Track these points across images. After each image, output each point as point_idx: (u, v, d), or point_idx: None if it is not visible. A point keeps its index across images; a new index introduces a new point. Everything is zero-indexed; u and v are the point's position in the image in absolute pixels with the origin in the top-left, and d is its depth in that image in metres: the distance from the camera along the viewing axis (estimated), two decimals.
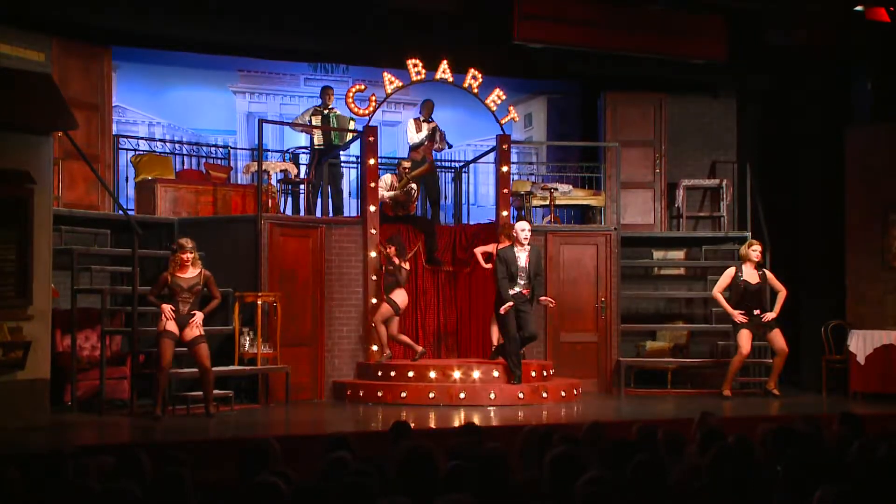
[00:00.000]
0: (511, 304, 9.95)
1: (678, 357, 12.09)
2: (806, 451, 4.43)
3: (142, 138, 12.10)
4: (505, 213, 11.40)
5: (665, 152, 13.17)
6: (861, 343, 11.08)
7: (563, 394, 10.35)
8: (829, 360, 11.52)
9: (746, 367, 11.63)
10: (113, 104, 11.46)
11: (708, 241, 12.74)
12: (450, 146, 12.24)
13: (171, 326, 8.74)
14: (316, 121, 11.86)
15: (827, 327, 11.63)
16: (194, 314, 8.80)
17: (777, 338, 10.74)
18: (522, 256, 10.03)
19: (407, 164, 11.49)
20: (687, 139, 13.34)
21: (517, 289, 10.01)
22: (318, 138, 11.92)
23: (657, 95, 13.22)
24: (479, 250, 11.00)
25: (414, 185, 11.46)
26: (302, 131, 12.37)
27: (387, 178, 11.44)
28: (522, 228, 10.13)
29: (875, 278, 11.69)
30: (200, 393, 9.08)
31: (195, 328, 8.82)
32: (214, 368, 9.62)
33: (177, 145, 12.37)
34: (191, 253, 8.86)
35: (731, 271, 10.83)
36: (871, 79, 12.27)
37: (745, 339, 10.65)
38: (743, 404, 10.39)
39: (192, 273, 8.88)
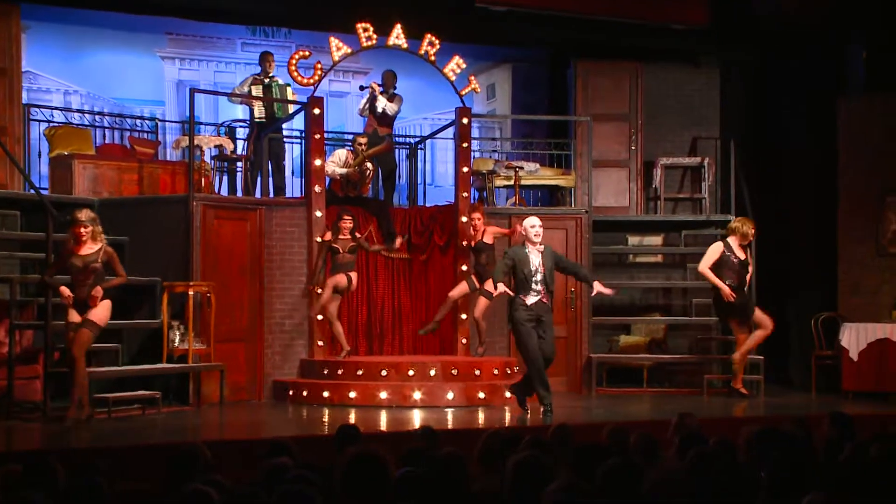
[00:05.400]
0: (499, 292, 9.24)
1: (655, 353, 12.19)
2: (793, 454, 4.48)
3: (56, 108, 11.96)
4: (465, 195, 11.40)
5: (641, 127, 13.23)
6: (854, 337, 11.21)
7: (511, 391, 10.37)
8: (820, 355, 11.66)
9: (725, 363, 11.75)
10: (22, 69, 11.27)
11: (688, 226, 12.83)
12: (361, 88, 12.04)
13: (74, 317, 8.56)
14: (257, 91, 11.76)
15: (817, 320, 11.77)
16: (94, 294, 8.45)
17: (763, 317, 10.84)
18: (536, 257, 9.28)
19: (363, 141, 11.43)
20: (665, 113, 13.41)
21: (535, 297, 9.21)
22: (258, 111, 11.83)
23: (633, 64, 13.27)
24: (493, 230, 10.78)
25: (370, 165, 11.41)
26: (241, 103, 12.27)
27: (341, 154, 11.37)
28: (532, 225, 9.33)
29: (870, 266, 11.84)
30: (123, 394, 9.01)
31: (93, 308, 8.45)
32: (141, 366, 9.55)
33: (97, 117, 12.24)
34: (87, 227, 8.59)
35: (719, 246, 10.78)
36: (866, 46, 12.39)
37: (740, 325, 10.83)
38: (724, 404, 10.49)
39: (89, 250, 8.56)
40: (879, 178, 11.82)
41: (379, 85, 11.91)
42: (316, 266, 10.70)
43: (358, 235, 10.78)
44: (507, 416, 9.54)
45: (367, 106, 11.91)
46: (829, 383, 11.51)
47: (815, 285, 12.45)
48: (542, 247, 9.35)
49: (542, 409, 9.23)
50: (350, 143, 11.76)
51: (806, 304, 12.32)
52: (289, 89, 11.87)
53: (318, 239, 10.70)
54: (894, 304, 11.53)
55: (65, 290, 8.55)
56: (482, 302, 10.59)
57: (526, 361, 9.34)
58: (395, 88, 11.94)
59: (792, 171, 12.97)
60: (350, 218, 10.65)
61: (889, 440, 4.88)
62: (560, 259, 9.57)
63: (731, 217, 12.07)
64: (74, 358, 8.40)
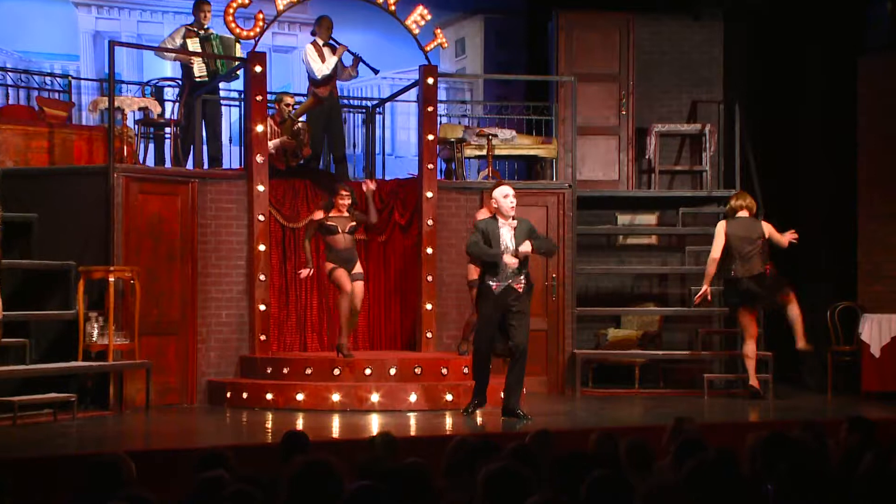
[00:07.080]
0: (514, 258, 9.06)
1: (648, 348, 12.25)
2: (805, 464, 4.51)
3: None
4: (430, 166, 11.39)
5: (633, 89, 13.27)
6: (876, 330, 11.32)
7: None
8: (836, 351, 11.76)
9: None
10: None
11: (687, 203, 12.89)
12: (376, 72, 12.02)
13: None
14: (193, 45, 11.62)
15: (833, 311, 11.86)
16: None
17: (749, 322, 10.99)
18: (507, 233, 9.16)
19: (290, 101, 11.37)
20: (661, 73, 13.45)
21: (504, 282, 9.12)
22: (198, 69, 11.69)
23: (623, 15, 13.29)
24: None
25: (301, 124, 11.34)
26: (176, 59, 12.10)
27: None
28: (505, 195, 9.18)
29: (893, 249, 11.93)
30: (29, 398, 8.99)
31: None
32: (52, 365, 9.52)
33: None
34: None
35: (721, 226, 10.88)
36: None
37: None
38: (727, 407, 10.56)
39: None
40: None
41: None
42: (303, 248, 10.60)
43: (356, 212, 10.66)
44: (479, 420, 9.56)
45: (353, 65, 11.80)
46: (846, 383, 11.63)
47: (830, 271, 12.54)
48: (515, 221, 9.20)
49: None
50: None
51: (820, 293, 12.40)
52: (237, 45, 11.71)
53: (309, 219, 10.66)
54: None
55: None
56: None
57: (474, 351, 9.51)
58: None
59: (805, 139, 13.05)
60: (348, 193, 10.52)
61: None
62: (535, 236, 9.28)
63: (735, 192, 12.11)
64: None
